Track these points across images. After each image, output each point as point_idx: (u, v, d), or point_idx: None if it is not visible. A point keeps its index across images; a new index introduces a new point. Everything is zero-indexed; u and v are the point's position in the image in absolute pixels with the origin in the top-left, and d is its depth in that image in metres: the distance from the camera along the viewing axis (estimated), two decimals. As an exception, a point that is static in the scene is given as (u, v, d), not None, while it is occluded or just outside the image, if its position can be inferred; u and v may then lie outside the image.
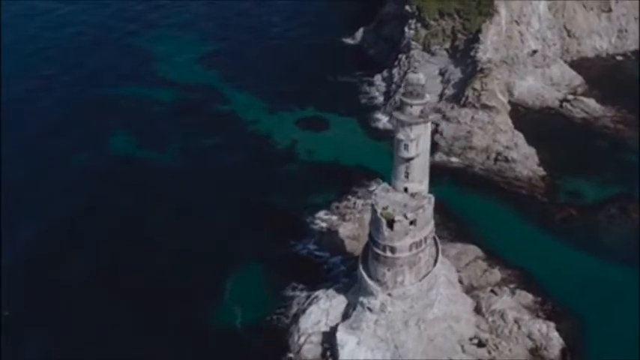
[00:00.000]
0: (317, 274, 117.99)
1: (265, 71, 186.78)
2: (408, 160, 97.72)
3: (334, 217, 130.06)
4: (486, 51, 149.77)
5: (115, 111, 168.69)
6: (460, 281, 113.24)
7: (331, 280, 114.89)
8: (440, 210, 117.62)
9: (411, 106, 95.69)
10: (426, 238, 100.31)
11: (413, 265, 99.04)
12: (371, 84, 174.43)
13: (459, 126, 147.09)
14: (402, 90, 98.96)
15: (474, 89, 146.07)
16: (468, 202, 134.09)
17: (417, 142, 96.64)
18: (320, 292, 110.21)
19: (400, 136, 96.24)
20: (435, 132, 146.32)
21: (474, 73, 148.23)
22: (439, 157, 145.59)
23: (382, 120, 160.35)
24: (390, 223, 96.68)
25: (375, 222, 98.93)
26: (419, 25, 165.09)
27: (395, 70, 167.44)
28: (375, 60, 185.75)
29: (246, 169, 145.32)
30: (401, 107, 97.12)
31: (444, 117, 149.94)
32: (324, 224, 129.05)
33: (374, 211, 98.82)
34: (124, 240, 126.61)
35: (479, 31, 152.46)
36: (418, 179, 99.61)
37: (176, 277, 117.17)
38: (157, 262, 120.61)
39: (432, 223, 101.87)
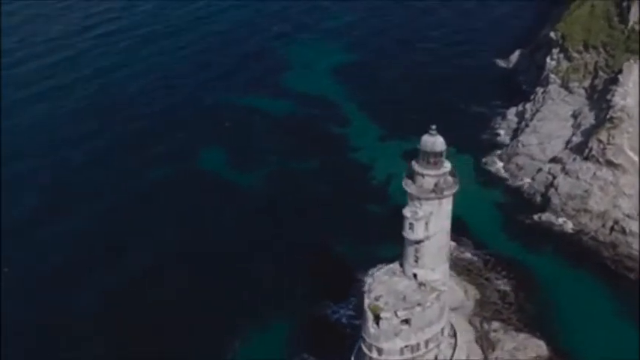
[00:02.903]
0: (334, 346, 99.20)
1: (397, 91, 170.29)
2: (417, 242, 76.53)
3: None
4: (625, 96, 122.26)
5: (220, 120, 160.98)
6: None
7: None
8: (525, 285, 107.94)
9: (423, 176, 74.48)
10: (428, 342, 78.69)
11: (407, 372, 78.31)
12: (504, 117, 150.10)
13: (577, 182, 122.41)
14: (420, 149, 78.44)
15: (600, 141, 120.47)
16: (559, 280, 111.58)
17: (426, 222, 76.36)
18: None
19: (406, 212, 75.97)
20: (550, 186, 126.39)
21: (604, 121, 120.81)
22: (546, 217, 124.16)
23: (497, 164, 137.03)
24: (377, 319, 76.46)
25: (363, 313, 79.28)
26: (561, 55, 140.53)
27: (528, 106, 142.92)
28: (522, 89, 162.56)
29: (325, 205, 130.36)
30: (411, 175, 76.20)
31: (563, 169, 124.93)
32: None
33: (364, 300, 78.93)
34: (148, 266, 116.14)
35: (620, 70, 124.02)
36: (430, 266, 79.40)
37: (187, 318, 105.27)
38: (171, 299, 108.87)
39: (446, 321, 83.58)
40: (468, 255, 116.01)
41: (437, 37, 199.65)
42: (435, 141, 76.66)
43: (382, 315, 77.04)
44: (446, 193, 77.19)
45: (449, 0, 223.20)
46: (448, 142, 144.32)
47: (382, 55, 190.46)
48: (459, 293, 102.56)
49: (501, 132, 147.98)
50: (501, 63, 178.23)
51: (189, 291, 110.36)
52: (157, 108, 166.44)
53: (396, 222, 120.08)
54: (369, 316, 78.23)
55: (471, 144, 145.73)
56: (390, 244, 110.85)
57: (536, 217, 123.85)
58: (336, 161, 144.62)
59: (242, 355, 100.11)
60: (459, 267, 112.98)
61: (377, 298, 79.30)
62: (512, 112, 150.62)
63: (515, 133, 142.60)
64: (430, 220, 77.62)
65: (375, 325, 78.23)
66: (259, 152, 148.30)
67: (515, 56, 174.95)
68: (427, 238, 78.29)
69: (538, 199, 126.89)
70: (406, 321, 77.91)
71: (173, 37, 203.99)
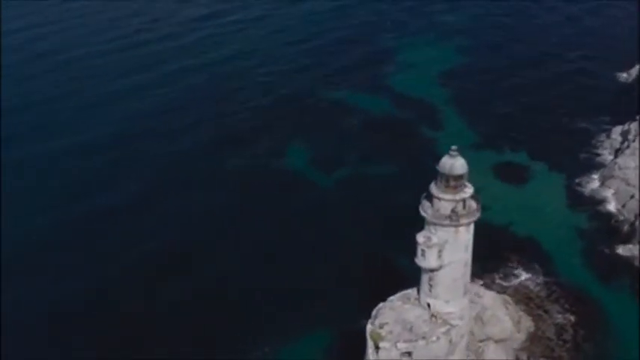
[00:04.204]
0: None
1: (500, 99, 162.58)
2: (431, 270, 71.28)
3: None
4: None
5: (316, 115, 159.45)
6: None
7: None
8: (588, 322, 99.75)
9: (440, 200, 68.96)
10: (433, 379, 73.16)
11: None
12: (608, 135, 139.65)
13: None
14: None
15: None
16: (629, 322, 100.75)
17: (440, 250, 70.33)
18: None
19: (419, 236, 70.70)
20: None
21: None
22: (629, 250, 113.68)
23: (591, 186, 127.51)
24: (377, 348, 71.83)
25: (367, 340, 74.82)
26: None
27: (633, 125, 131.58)
28: (635, 106, 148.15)
29: (399, 216, 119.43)
30: (429, 198, 70.91)
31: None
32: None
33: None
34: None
35: None
36: (444, 298, 73.76)
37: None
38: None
39: (461, 357, 77.86)
40: (531, 282, 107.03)
41: (555, 45, 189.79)
42: (453, 163, 70.24)
43: (381, 345, 71.77)
44: (463, 220, 70.37)
45: (574, 4, 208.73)
46: (542, 158, 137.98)
47: (491, 61, 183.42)
48: (506, 324, 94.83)
49: (603, 151, 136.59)
50: (623, 75, 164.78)
51: (245, 290, 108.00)
52: (261, 102, 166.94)
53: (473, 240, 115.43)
54: (369, 343, 72.92)
55: (568, 162, 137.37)
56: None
57: (618, 248, 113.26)
58: (420, 167, 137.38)
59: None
60: (519, 295, 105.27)
61: (381, 326, 73.79)
62: (617, 131, 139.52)
63: (616, 154, 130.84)
64: (444, 249, 71.38)
65: (375, 354, 72.74)
66: (344, 151, 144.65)
67: (635, 69, 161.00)
68: (440, 267, 72.02)
69: (625, 228, 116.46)
70: (408, 354, 71.67)
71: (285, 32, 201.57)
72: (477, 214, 71.38)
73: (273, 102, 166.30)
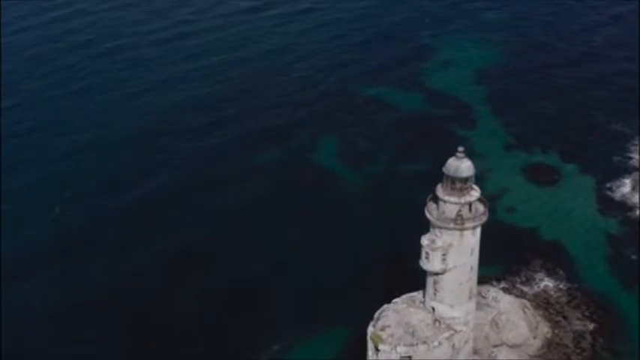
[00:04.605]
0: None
1: (537, 100, 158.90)
2: (436, 273, 70.49)
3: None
4: None
5: (349, 113, 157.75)
6: None
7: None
8: (608, 331, 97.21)
9: (445, 202, 68.11)
10: (434, 384, 72.32)
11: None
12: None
13: None
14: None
15: None
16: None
17: (444, 254, 69.28)
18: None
19: (423, 239, 69.87)
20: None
21: None
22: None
23: (622, 191, 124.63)
24: (377, 350, 71.30)
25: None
26: None
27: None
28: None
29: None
30: (435, 200, 70.05)
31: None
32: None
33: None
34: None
35: None
36: (449, 302, 72.79)
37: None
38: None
39: None
40: (553, 288, 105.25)
41: (597, 44, 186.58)
42: (459, 165, 68.82)
43: (380, 347, 70.91)
44: (468, 224, 69.05)
45: (620, 4, 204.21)
46: (574, 160, 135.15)
47: (532, 60, 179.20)
48: (522, 329, 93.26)
49: (636, 155, 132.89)
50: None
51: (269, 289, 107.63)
52: (298, 97, 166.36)
53: (488, 240, 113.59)
54: (369, 345, 72.23)
55: (600, 165, 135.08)
56: (491, 266, 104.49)
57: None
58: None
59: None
60: (539, 299, 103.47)
61: (383, 328, 72.89)
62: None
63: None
64: (449, 252, 70.12)
65: (375, 357, 72.00)
66: (376, 148, 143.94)
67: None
68: (445, 271, 70.78)
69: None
70: (408, 358, 70.75)
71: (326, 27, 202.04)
72: (484, 218, 69.96)
73: (310, 97, 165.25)
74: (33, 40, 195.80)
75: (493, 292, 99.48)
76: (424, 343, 71.20)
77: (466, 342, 74.23)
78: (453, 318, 73.61)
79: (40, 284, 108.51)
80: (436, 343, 71.27)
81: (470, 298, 73.97)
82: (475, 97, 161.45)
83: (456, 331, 72.83)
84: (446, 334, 72.48)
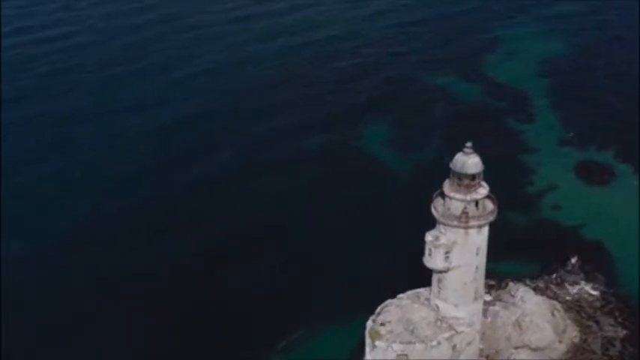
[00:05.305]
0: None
1: (601, 96, 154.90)
2: (439, 271, 69.38)
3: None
4: None
5: (406, 102, 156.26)
6: None
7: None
8: None
9: (451, 199, 66.83)
10: (432, 384, 71.13)
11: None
12: None
13: None
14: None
15: None
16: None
17: (447, 252, 67.90)
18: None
19: (427, 235, 68.58)
20: None
21: None
22: None
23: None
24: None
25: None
26: None
27: None
28: None
29: None
30: (442, 196, 68.82)
31: None
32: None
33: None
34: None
35: None
36: (452, 301, 71.29)
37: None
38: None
39: None
40: (588, 291, 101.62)
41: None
42: (466, 161, 66.57)
43: (377, 343, 69.78)
44: (473, 222, 67.05)
45: None
46: (629, 160, 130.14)
47: (601, 56, 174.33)
48: (546, 332, 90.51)
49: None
50: None
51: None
52: (357, 84, 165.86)
53: (527, 238, 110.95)
54: (367, 340, 71.27)
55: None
56: (528, 264, 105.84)
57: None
58: (500, 158, 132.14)
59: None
60: (572, 302, 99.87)
61: (383, 323, 71.72)
62: None
63: None
64: (452, 250, 68.31)
65: (372, 351, 71.10)
66: (429, 138, 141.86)
67: None
68: (448, 269, 69.03)
69: None
70: (406, 356, 69.54)
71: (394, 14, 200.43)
72: (490, 218, 67.69)
73: (370, 84, 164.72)
74: (103, 16, 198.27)
75: (522, 291, 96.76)
76: (422, 342, 69.26)
77: (469, 344, 72.06)
78: (457, 318, 71.54)
79: (100, 256, 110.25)
80: (434, 343, 69.43)
81: (475, 299, 71.80)
82: (537, 90, 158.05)
83: (457, 332, 70.71)
84: (446, 334, 70.53)
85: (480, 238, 67.90)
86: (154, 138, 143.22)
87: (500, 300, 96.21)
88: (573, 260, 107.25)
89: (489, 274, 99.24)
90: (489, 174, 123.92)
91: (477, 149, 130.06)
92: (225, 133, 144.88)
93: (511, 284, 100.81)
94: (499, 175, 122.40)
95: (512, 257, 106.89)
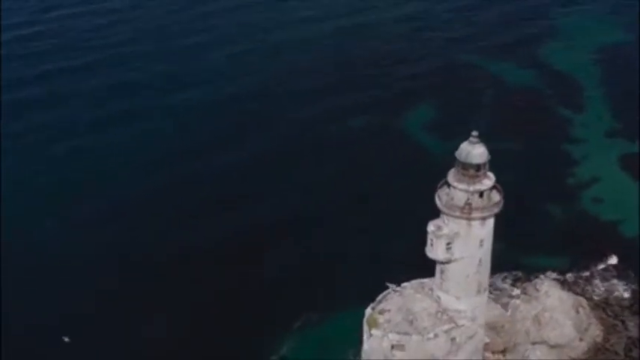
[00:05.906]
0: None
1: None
2: (441, 262, 68.37)
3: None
4: None
5: (457, 88, 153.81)
6: None
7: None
8: None
9: (454, 188, 65.65)
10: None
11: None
12: None
13: None
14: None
15: None
16: None
17: (449, 243, 66.64)
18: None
19: (430, 224, 67.46)
20: None
21: None
22: None
23: None
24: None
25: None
26: None
27: None
28: None
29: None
30: (447, 186, 67.65)
31: None
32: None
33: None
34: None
35: None
36: (454, 294, 69.79)
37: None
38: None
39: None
40: (618, 289, 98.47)
41: None
42: (471, 150, 64.45)
43: (373, 332, 68.86)
44: (475, 214, 65.27)
45: None
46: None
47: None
48: (567, 329, 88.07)
49: None
50: None
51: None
52: (410, 69, 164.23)
53: (568, 232, 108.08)
54: (365, 327, 70.48)
55: None
56: (561, 257, 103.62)
57: None
58: (543, 147, 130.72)
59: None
60: (599, 300, 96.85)
61: (382, 312, 70.74)
62: None
63: None
64: (455, 242, 66.69)
65: (369, 339, 70.34)
66: (473, 123, 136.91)
67: None
68: (450, 261, 67.50)
69: None
70: (399, 347, 68.49)
71: None
72: (495, 210, 65.64)
73: (424, 69, 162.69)
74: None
75: (547, 285, 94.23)
76: (419, 333, 67.91)
77: (470, 338, 70.30)
78: (459, 311, 69.85)
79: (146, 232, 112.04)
80: (431, 335, 67.87)
81: (478, 292, 69.94)
82: (591, 80, 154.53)
83: (457, 325, 69.11)
84: (445, 327, 68.86)
85: (483, 230, 66.01)
86: (198, 117, 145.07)
87: (525, 293, 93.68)
88: (611, 259, 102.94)
89: (517, 265, 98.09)
90: (531, 162, 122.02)
91: (522, 138, 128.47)
92: (275, 113, 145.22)
93: (538, 279, 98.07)
94: (542, 164, 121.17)
95: (546, 249, 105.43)
